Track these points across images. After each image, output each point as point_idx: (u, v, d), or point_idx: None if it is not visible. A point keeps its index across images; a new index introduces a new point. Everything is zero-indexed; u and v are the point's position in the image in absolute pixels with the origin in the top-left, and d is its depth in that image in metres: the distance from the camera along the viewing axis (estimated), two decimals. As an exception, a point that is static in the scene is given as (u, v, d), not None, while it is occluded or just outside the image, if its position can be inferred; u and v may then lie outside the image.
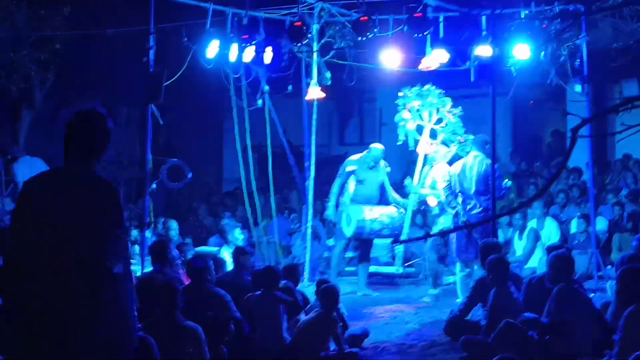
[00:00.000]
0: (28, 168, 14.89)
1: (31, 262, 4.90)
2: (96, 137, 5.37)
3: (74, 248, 4.87)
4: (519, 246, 14.57)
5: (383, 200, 13.42)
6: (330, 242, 14.61)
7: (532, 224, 14.90)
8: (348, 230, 13.09)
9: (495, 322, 8.96)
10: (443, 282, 13.32)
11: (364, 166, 13.33)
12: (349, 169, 13.32)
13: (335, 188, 13.37)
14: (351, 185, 13.31)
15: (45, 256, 4.88)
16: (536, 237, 14.51)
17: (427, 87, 13.89)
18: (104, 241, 4.92)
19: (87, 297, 4.85)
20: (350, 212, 13.08)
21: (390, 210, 13.17)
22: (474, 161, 12.36)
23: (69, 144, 5.19)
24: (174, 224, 14.61)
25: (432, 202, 13.05)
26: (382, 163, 13.50)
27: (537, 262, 13.91)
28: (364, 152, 13.49)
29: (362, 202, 13.17)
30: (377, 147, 13.55)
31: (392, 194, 13.54)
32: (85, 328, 4.86)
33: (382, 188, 13.43)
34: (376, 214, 12.94)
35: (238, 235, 14.12)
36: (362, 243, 13.36)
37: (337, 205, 13.34)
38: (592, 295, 10.71)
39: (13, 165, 15.02)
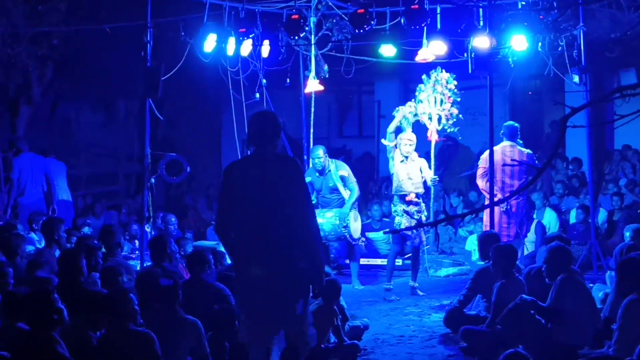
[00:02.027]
0: (28, 164, 14.87)
1: (247, 217, 6.90)
2: (273, 128, 7.07)
3: (279, 204, 6.85)
4: (526, 239, 14.49)
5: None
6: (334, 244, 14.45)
7: (533, 216, 14.89)
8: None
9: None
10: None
11: (315, 173, 13.11)
12: (307, 180, 12.94)
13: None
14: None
15: (257, 211, 6.87)
16: (543, 231, 14.46)
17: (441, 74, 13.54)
18: (298, 195, 6.91)
19: (295, 235, 6.84)
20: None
21: (328, 215, 12.91)
22: (513, 150, 12.61)
23: (254, 135, 7.06)
24: (172, 219, 14.61)
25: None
26: (332, 166, 13.16)
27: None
28: None
29: (324, 206, 13.06)
30: (315, 147, 13.32)
31: (345, 196, 13.10)
32: (296, 258, 6.84)
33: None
34: (321, 220, 12.41)
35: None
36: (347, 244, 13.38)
37: None
38: (591, 285, 10.73)
39: (15, 159, 14.99)
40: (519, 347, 8.18)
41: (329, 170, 13.02)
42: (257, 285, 6.87)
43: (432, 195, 13.52)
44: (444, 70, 13.27)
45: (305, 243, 6.85)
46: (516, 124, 13.13)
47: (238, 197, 6.94)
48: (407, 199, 12.49)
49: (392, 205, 12.96)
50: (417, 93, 13.34)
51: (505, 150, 12.76)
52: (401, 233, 12.55)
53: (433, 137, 13.32)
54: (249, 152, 7.25)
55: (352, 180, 13.06)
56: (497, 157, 12.53)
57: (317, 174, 13.04)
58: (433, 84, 13.24)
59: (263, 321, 6.93)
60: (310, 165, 13.23)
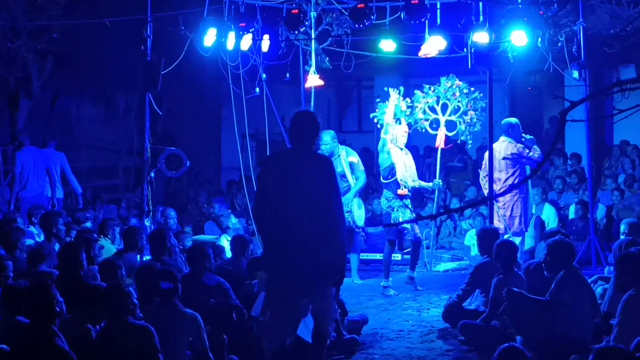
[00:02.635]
0: (31, 158, 14.88)
1: (281, 207, 7.36)
2: (313, 128, 7.62)
3: (312, 197, 7.31)
4: (526, 234, 14.50)
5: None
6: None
7: (532, 211, 14.89)
8: None
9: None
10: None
11: None
12: None
13: None
14: None
15: (290, 201, 7.34)
16: (542, 226, 14.48)
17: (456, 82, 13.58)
18: (329, 191, 7.40)
19: (322, 228, 7.28)
20: None
21: None
22: (501, 146, 12.75)
23: (293, 132, 7.64)
24: (172, 213, 14.62)
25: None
26: (343, 152, 13.17)
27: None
28: None
29: None
30: (324, 132, 13.08)
31: (351, 183, 13.07)
32: (322, 249, 7.27)
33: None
34: None
35: (234, 221, 14.10)
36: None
37: None
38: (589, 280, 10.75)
39: (17, 153, 15.02)
40: (518, 339, 8.24)
41: (338, 155, 12.96)
42: (285, 268, 7.37)
43: (436, 191, 13.57)
44: (456, 79, 13.33)
45: (331, 233, 7.31)
46: (511, 120, 13.14)
47: (274, 187, 7.46)
48: (401, 192, 12.48)
49: (384, 201, 12.75)
50: (418, 97, 13.39)
51: (495, 146, 12.78)
52: (400, 227, 12.54)
53: (442, 144, 13.35)
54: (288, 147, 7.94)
55: (361, 167, 13.07)
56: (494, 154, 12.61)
57: None
58: (445, 92, 13.29)
59: (288, 301, 7.35)
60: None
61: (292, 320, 7.34)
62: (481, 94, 13.21)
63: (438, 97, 13.44)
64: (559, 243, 8.81)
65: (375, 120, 13.11)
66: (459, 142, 14.50)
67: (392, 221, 12.50)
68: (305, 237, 7.30)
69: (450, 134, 13.44)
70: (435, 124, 13.43)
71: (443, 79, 13.50)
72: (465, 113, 13.28)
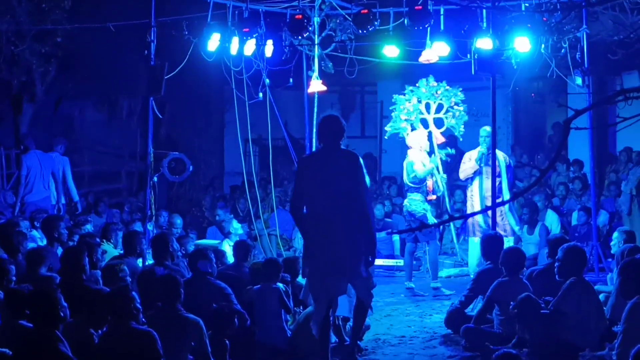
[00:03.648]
0: (37, 161, 14.86)
1: (321, 202, 8.43)
2: (339, 128, 8.63)
3: (344, 187, 8.38)
4: (530, 240, 14.49)
5: None
6: None
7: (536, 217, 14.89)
8: None
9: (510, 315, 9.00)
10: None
11: None
12: None
13: None
14: None
15: (325, 193, 8.40)
16: (547, 233, 14.46)
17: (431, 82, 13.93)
18: (358, 181, 8.48)
19: (355, 215, 8.36)
20: None
21: None
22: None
23: (323, 134, 8.65)
24: (178, 221, 14.61)
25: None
26: None
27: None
28: None
29: None
30: None
31: None
32: (356, 234, 8.37)
33: None
34: None
35: (236, 226, 14.07)
36: None
37: None
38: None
39: (23, 156, 14.99)
40: (524, 343, 8.25)
41: None
42: (324, 252, 8.38)
43: (446, 194, 13.78)
44: (433, 79, 13.61)
45: (364, 218, 8.39)
46: (484, 128, 13.36)
47: (310, 182, 8.53)
48: (430, 198, 12.99)
49: (418, 203, 12.88)
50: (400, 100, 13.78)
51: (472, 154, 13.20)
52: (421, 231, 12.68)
53: (439, 140, 13.56)
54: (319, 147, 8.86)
55: (364, 171, 13.13)
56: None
57: None
58: (425, 91, 13.54)
59: (328, 282, 8.39)
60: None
61: (332, 300, 8.52)
62: (460, 89, 13.49)
63: (419, 99, 13.93)
64: (573, 249, 8.92)
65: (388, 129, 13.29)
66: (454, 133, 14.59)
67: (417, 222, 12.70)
68: (341, 224, 8.31)
69: (440, 131, 13.66)
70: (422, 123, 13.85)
71: (422, 81, 13.99)
72: (451, 107, 13.77)
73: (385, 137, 14.36)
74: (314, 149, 13.43)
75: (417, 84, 14.17)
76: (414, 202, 12.86)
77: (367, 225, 8.43)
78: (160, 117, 13.01)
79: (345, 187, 8.42)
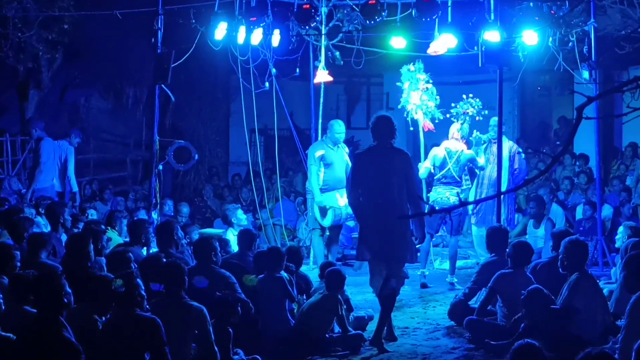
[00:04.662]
0: (51, 148, 14.85)
1: (373, 192, 9.45)
2: (390, 127, 9.57)
3: (396, 181, 9.40)
4: (536, 234, 14.47)
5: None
6: (351, 223, 14.27)
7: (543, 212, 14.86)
8: (325, 221, 12.71)
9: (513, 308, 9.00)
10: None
11: (330, 147, 12.79)
12: (318, 154, 12.67)
13: (314, 176, 12.69)
14: (321, 171, 12.76)
15: (379, 184, 9.42)
16: (552, 227, 14.43)
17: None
18: (407, 177, 9.49)
19: (405, 207, 9.44)
20: (325, 202, 12.62)
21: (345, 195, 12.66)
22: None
23: (377, 132, 9.56)
24: (185, 209, 14.59)
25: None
26: (346, 148, 13.16)
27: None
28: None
29: (333, 187, 12.65)
30: (339, 121, 13.04)
31: None
32: (403, 225, 9.49)
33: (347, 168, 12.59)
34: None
35: (241, 216, 14.06)
36: (333, 227, 13.13)
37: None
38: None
39: (42, 143, 14.91)
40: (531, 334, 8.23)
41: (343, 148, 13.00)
42: (377, 237, 9.44)
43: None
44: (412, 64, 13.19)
45: (412, 208, 9.52)
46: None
47: (365, 175, 9.50)
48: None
49: (442, 191, 12.63)
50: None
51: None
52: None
53: (427, 126, 13.13)
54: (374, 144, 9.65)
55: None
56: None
57: (332, 147, 12.87)
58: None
59: (382, 260, 9.48)
60: (327, 139, 12.98)
61: (382, 270, 9.49)
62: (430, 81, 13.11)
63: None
64: (574, 243, 8.94)
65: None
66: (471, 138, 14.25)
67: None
68: (392, 213, 9.20)
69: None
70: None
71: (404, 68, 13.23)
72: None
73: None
74: (319, 139, 13.40)
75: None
76: (449, 192, 12.68)
77: (415, 208, 9.57)
78: (173, 99, 13.00)
79: (397, 181, 9.40)
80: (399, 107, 13.14)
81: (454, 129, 12.74)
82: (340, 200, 12.40)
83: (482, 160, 13.11)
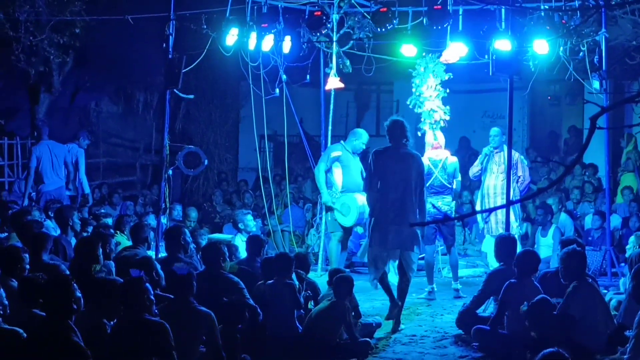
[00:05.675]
0: (48, 151, 14.87)
1: (388, 187, 10.50)
2: (403, 130, 10.69)
3: (407, 179, 10.50)
4: (543, 243, 14.48)
5: None
6: (359, 229, 14.29)
7: (552, 220, 14.84)
8: (347, 221, 12.89)
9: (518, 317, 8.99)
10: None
11: (349, 152, 13.04)
12: (334, 154, 12.96)
13: (321, 174, 13.03)
14: (337, 172, 13.02)
15: (395, 182, 10.49)
16: (561, 236, 14.42)
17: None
18: (421, 176, 10.66)
19: (414, 202, 10.54)
20: (348, 201, 12.88)
21: (361, 197, 12.60)
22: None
23: (392, 134, 10.73)
24: (193, 213, 14.59)
25: None
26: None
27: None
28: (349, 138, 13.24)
29: (352, 189, 12.91)
30: (366, 132, 13.30)
31: None
32: (410, 216, 10.46)
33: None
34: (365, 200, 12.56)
35: (250, 222, 14.06)
36: (345, 230, 13.25)
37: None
38: (604, 292, 10.74)
39: (33, 147, 15.00)
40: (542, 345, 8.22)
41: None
42: (387, 227, 10.49)
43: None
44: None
45: (419, 204, 10.60)
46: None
47: (381, 171, 10.55)
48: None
49: (433, 201, 12.61)
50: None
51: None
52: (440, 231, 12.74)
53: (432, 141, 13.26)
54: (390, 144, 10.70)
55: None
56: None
57: (351, 153, 13.03)
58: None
59: (390, 248, 10.56)
60: (348, 147, 13.12)
61: (386, 260, 10.67)
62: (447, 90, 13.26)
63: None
64: (570, 253, 9.05)
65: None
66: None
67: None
68: (403, 204, 10.44)
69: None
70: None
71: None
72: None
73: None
74: (329, 145, 13.51)
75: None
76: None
77: (421, 209, 10.62)
78: (189, 97, 13.02)
79: (408, 179, 10.47)
80: (410, 102, 13.25)
81: (430, 138, 12.89)
82: (360, 199, 12.59)
83: (475, 169, 13.38)
